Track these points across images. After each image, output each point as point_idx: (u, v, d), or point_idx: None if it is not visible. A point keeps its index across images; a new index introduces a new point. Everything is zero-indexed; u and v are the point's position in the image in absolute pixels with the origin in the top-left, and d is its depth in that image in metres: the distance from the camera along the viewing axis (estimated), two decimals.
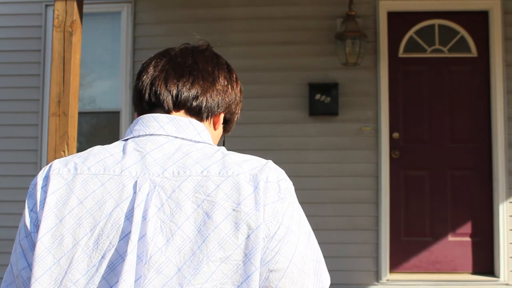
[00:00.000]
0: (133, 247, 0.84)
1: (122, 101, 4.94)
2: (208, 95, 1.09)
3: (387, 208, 4.65)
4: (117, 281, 0.83)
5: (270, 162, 0.98)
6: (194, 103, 1.06)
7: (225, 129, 1.20)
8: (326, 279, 0.94)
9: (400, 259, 4.72)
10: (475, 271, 4.67)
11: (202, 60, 1.12)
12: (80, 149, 4.81)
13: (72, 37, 3.06)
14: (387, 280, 4.59)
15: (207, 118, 1.09)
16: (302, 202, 4.56)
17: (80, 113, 4.61)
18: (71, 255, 0.86)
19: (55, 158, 3.00)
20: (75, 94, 3.09)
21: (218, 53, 1.19)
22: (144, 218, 0.86)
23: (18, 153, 4.96)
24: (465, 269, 4.69)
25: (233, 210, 0.86)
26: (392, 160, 4.74)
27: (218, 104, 1.11)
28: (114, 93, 5.06)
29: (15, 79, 5.03)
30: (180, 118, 1.02)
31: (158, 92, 1.05)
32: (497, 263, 4.57)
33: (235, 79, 1.17)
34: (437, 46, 4.86)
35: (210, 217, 0.86)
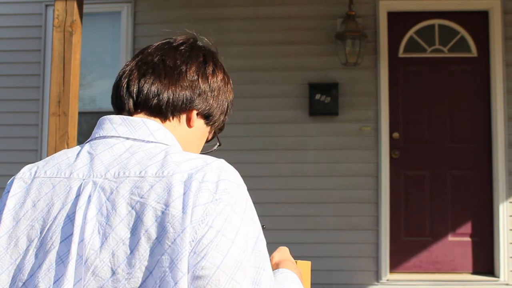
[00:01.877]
0: (74, 249, 0.85)
1: None
2: (170, 91, 1.04)
3: (387, 208, 4.65)
4: (57, 283, 0.84)
5: (218, 161, 0.92)
6: (155, 101, 1.03)
7: (212, 125, 1.13)
8: None
9: (400, 259, 4.72)
10: (475, 271, 4.67)
11: (171, 55, 1.08)
12: None
13: (72, 37, 3.06)
14: (387, 280, 4.59)
15: (173, 116, 1.04)
16: (302, 202, 4.55)
17: (80, 113, 4.60)
18: (25, 256, 0.89)
19: None
20: (75, 94, 3.09)
21: (201, 46, 1.14)
22: (84, 220, 0.86)
23: (18, 153, 4.96)
24: (465, 269, 4.69)
25: (162, 212, 0.83)
26: (392, 160, 4.74)
27: (185, 100, 1.05)
28: None
29: (15, 79, 5.03)
30: (132, 119, 1.00)
31: (121, 93, 1.05)
32: (497, 263, 4.57)
33: (211, 72, 1.09)
34: (437, 46, 4.86)
35: (141, 220, 0.84)
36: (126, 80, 1.05)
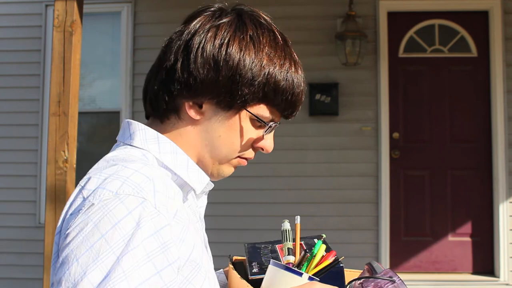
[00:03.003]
0: None
1: (122, 101, 4.94)
2: (150, 87, 0.96)
3: (387, 208, 4.65)
4: None
5: (115, 174, 0.80)
6: (145, 103, 0.98)
7: (237, 107, 0.92)
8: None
9: (400, 259, 4.72)
10: (475, 271, 4.67)
11: (168, 46, 0.98)
12: (80, 149, 4.81)
13: (72, 37, 3.06)
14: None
15: (166, 114, 0.94)
16: (302, 202, 4.54)
17: (80, 113, 4.60)
18: None
19: (55, 158, 3.00)
20: (75, 94, 3.09)
21: (198, 28, 0.95)
22: None
23: (18, 153, 4.95)
24: (465, 269, 4.69)
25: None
26: (392, 160, 4.74)
27: (164, 91, 0.92)
28: (114, 93, 5.06)
29: (15, 79, 5.03)
30: (124, 121, 0.95)
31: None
32: (497, 263, 4.57)
33: (198, 43, 0.91)
34: (437, 46, 4.86)
35: None
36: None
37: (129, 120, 0.95)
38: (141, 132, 0.91)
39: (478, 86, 4.79)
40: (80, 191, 0.80)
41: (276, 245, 1.10)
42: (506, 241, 4.55)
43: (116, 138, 0.96)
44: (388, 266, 4.62)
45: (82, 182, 0.82)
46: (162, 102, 0.93)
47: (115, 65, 5.05)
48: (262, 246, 1.10)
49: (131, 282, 0.71)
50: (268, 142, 0.98)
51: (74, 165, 3.05)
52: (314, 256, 0.93)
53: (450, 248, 4.72)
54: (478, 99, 4.78)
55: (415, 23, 4.86)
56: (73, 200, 0.80)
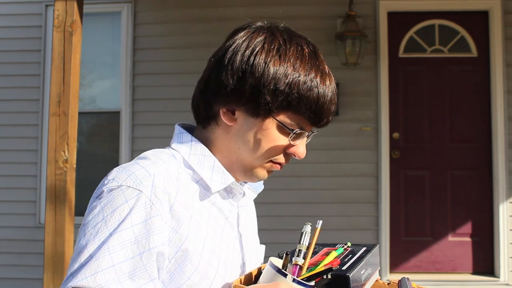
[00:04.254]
0: None
1: (122, 101, 4.94)
2: (194, 96, 1.08)
3: (387, 208, 4.65)
4: None
5: (126, 168, 0.96)
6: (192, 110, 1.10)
7: (260, 116, 0.98)
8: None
9: (400, 259, 4.72)
10: (475, 271, 4.67)
11: (210, 59, 1.06)
12: (80, 149, 4.81)
13: (72, 37, 3.06)
14: (387, 280, 4.58)
15: (207, 121, 1.05)
16: (302, 202, 4.55)
17: (80, 113, 4.59)
18: None
19: (55, 158, 3.00)
20: (75, 94, 3.09)
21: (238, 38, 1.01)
22: None
23: (18, 153, 4.95)
24: (465, 269, 4.69)
25: None
26: (392, 160, 4.74)
27: (203, 99, 1.04)
28: (114, 93, 5.06)
29: (15, 79, 5.03)
30: (176, 125, 1.09)
31: None
32: (497, 263, 4.57)
33: (230, 56, 0.99)
34: (437, 46, 4.86)
35: None
36: None
37: (176, 125, 1.08)
38: (178, 136, 1.05)
39: (478, 86, 4.79)
40: (104, 179, 0.96)
41: (325, 248, 1.12)
42: (506, 241, 4.55)
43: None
44: (388, 266, 4.62)
45: (108, 173, 0.97)
46: (202, 109, 1.04)
47: (115, 65, 5.04)
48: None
49: (114, 258, 0.86)
50: (300, 149, 1.05)
51: (74, 165, 3.05)
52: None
53: (450, 248, 4.72)
54: (478, 99, 4.78)
55: (415, 23, 4.86)
56: (98, 186, 0.96)
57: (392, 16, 4.83)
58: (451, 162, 4.77)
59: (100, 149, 5.19)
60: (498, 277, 4.54)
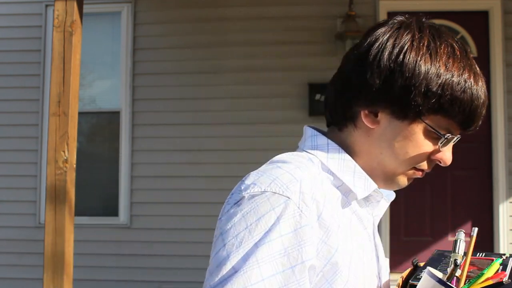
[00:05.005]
0: None
1: (122, 101, 4.94)
2: (329, 96, 0.99)
3: (387, 208, 4.65)
4: None
5: (268, 173, 0.87)
6: (326, 111, 1.01)
7: (410, 119, 0.91)
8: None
9: (400, 259, 4.71)
10: None
11: (347, 56, 0.99)
12: (80, 149, 4.81)
13: (72, 37, 3.06)
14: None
15: (344, 122, 0.96)
16: None
17: (80, 113, 4.59)
18: None
19: (55, 158, 3.00)
20: (75, 94, 3.09)
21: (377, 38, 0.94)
22: None
23: (18, 153, 4.96)
24: None
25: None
26: None
27: (342, 100, 0.95)
28: (114, 93, 5.06)
29: (15, 79, 5.03)
30: (304, 127, 1.02)
31: None
32: None
33: (375, 54, 0.91)
34: None
35: None
36: None
37: (306, 126, 1.01)
38: (313, 139, 0.97)
39: None
40: (240, 184, 0.88)
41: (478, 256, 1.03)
42: (506, 241, 4.55)
43: (298, 144, 1.02)
44: (387, 266, 4.62)
45: (244, 177, 0.89)
46: (339, 111, 0.96)
47: (115, 65, 5.05)
48: (451, 255, 1.04)
49: (264, 271, 0.78)
50: (446, 155, 0.98)
51: (74, 165, 3.05)
52: (482, 275, 0.88)
53: (450, 248, 4.71)
54: None
55: None
56: (233, 192, 0.88)
57: (392, 16, 4.82)
58: (451, 162, 4.77)
59: (100, 149, 5.19)
60: None
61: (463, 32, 4.83)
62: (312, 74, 4.73)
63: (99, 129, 5.24)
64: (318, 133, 0.98)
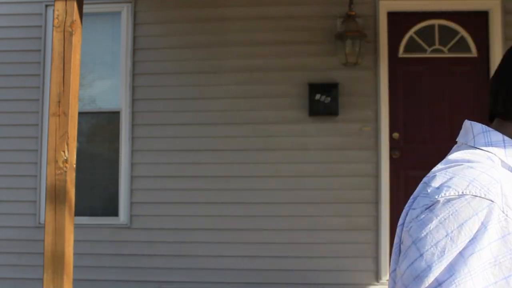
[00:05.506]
0: None
1: (122, 101, 4.94)
2: (500, 87, 0.90)
3: (387, 208, 4.65)
4: None
5: (460, 173, 0.80)
6: (495, 104, 0.92)
7: None
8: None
9: None
10: None
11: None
12: (80, 149, 4.81)
13: (72, 37, 3.06)
14: (387, 280, 4.58)
15: (508, 115, 0.89)
16: (303, 202, 4.54)
17: (80, 113, 4.60)
18: None
19: (55, 158, 3.00)
20: (75, 94, 3.09)
21: None
22: None
23: (18, 153, 4.96)
24: None
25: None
26: (392, 160, 4.74)
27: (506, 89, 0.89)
28: (114, 93, 5.06)
29: (15, 79, 5.03)
30: (466, 122, 0.93)
31: None
32: None
33: None
34: (437, 46, 4.86)
35: None
36: None
37: (471, 122, 0.93)
38: (486, 135, 0.89)
39: (478, 86, 4.79)
40: (425, 187, 0.82)
41: None
42: None
43: (457, 139, 0.95)
44: (388, 266, 4.62)
45: (426, 179, 0.83)
46: (508, 100, 0.89)
47: (115, 65, 5.05)
48: None
49: (477, 283, 0.71)
50: None
51: (74, 165, 3.05)
52: None
53: None
54: (478, 99, 4.78)
55: (415, 23, 4.86)
56: (417, 195, 0.82)
57: (392, 16, 4.84)
58: None
59: (100, 149, 5.19)
60: None
61: (463, 32, 4.83)
62: (312, 74, 4.74)
63: (99, 129, 5.24)
64: (490, 128, 0.90)
